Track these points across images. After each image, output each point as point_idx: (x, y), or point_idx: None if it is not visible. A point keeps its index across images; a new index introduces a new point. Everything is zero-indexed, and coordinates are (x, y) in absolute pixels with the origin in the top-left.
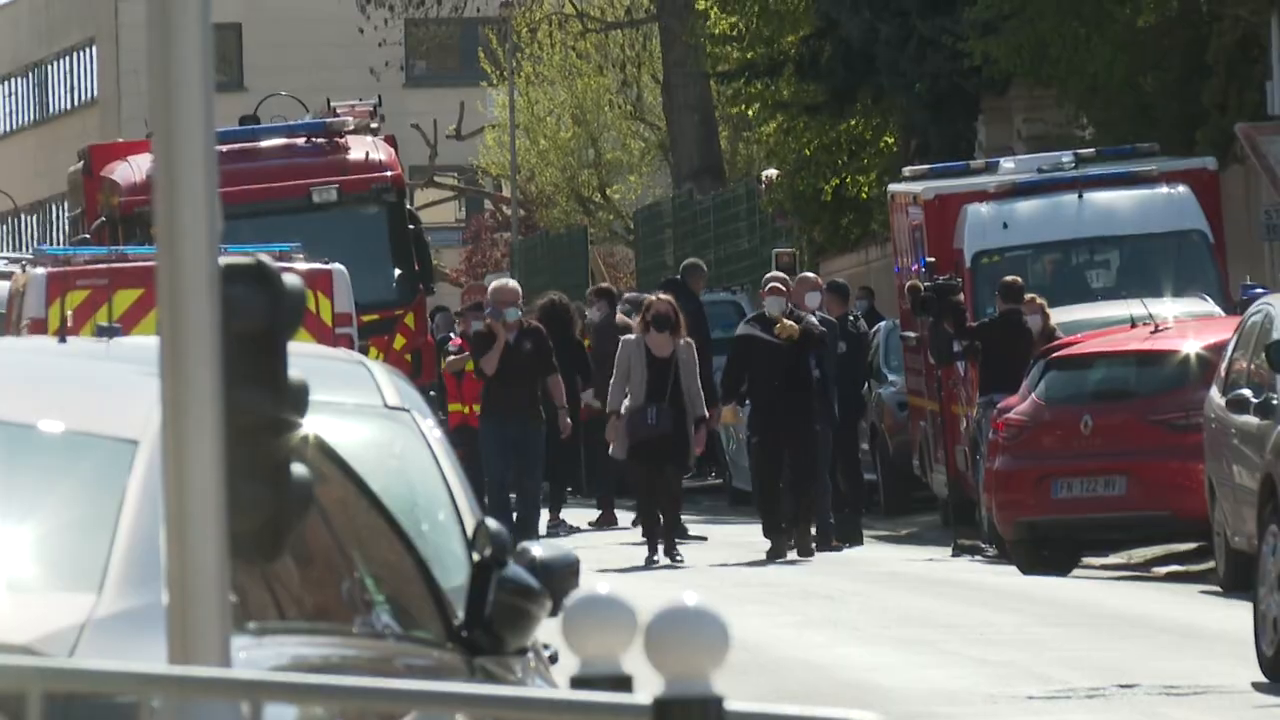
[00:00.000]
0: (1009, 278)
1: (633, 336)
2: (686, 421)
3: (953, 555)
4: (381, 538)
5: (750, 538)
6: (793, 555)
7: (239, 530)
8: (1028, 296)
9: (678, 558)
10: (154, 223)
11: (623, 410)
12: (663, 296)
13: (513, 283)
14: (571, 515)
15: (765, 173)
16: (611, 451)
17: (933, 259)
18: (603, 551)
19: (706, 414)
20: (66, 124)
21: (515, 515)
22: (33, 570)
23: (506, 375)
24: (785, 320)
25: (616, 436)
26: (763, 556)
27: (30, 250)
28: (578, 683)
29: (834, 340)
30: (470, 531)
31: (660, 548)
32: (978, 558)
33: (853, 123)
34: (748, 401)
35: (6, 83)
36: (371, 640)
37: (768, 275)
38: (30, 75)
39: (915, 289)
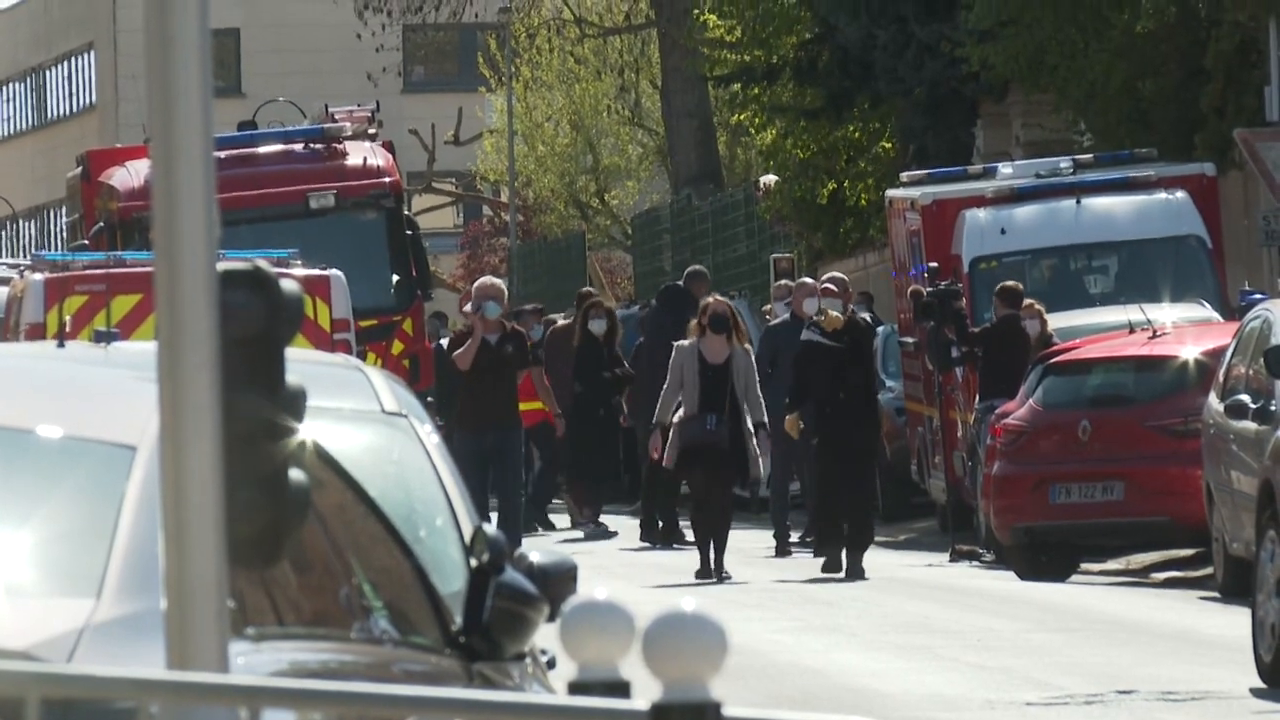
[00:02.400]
0: (1007, 283)
1: (686, 343)
2: (744, 433)
3: (951, 561)
4: (379, 543)
5: (749, 544)
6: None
7: (237, 536)
8: (1025, 302)
9: (726, 575)
10: (152, 228)
11: (672, 420)
12: (719, 298)
13: (498, 280)
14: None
15: (763, 178)
16: (664, 462)
17: (934, 264)
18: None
19: (765, 420)
20: (65, 129)
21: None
22: (31, 575)
23: (482, 378)
24: (831, 312)
25: (668, 446)
26: (761, 560)
27: (28, 255)
28: (575, 688)
29: None
30: (468, 537)
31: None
32: (976, 563)
33: (850, 128)
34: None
35: (5, 88)
36: (369, 646)
37: (825, 276)
38: (28, 80)
39: (918, 294)
